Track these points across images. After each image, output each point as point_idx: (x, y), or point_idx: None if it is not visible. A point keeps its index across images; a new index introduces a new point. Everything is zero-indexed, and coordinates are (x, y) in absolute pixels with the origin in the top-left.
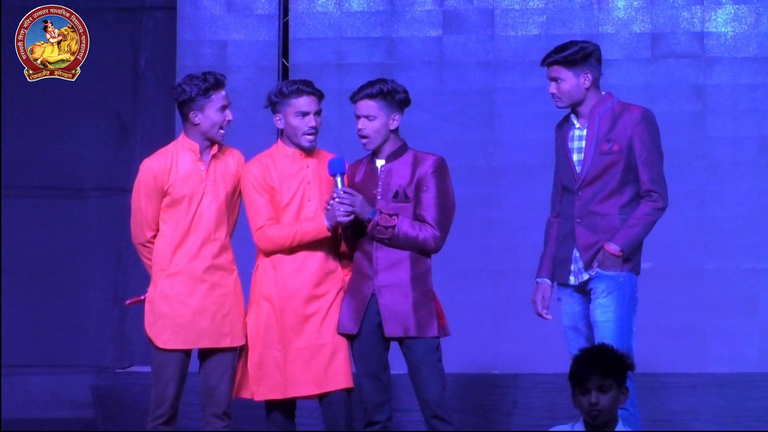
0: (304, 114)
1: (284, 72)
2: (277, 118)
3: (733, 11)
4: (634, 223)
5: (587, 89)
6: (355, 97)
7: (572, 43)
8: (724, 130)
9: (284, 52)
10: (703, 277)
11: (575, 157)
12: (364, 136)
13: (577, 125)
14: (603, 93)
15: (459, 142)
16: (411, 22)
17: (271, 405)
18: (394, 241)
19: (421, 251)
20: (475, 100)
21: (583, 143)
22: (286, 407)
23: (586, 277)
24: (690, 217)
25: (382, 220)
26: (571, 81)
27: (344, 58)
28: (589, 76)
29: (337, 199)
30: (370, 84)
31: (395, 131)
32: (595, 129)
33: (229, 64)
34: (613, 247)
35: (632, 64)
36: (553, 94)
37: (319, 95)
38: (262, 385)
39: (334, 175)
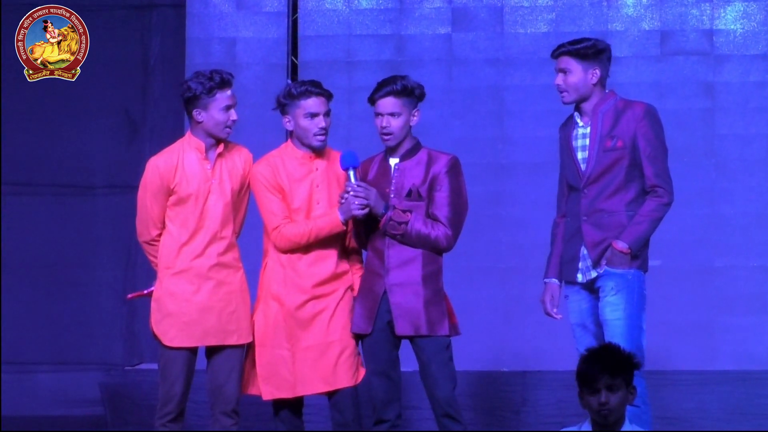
0: (314, 115)
1: (293, 69)
2: (287, 119)
3: (742, 8)
4: (640, 219)
5: (594, 85)
6: (376, 95)
7: (586, 38)
8: (733, 127)
9: (293, 50)
10: (712, 275)
11: (579, 155)
12: (388, 133)
13: (581, 123)
14: (607, 91)
15: (468, 140)
16: (420, 19)
17: (279, 403)
18: (407, 238)
19: (433, 249)
20: (485, 97)
21: (587, 141)
22: (293, 405)
23: (594, 274)
24: (699, 215)
25: (396, 216)
26: (578, 74)
27: (353, 55)
28: (597, 72)
29: (351, 193)
30: (392, 81)
31: (411, 128)
32: (598, 126)
33: (238, 61)
34: (621, 245)
35: (641, 61)
36: (558, 86)
37: (328, 95)
38: (271, 383)
39: (346, 169)
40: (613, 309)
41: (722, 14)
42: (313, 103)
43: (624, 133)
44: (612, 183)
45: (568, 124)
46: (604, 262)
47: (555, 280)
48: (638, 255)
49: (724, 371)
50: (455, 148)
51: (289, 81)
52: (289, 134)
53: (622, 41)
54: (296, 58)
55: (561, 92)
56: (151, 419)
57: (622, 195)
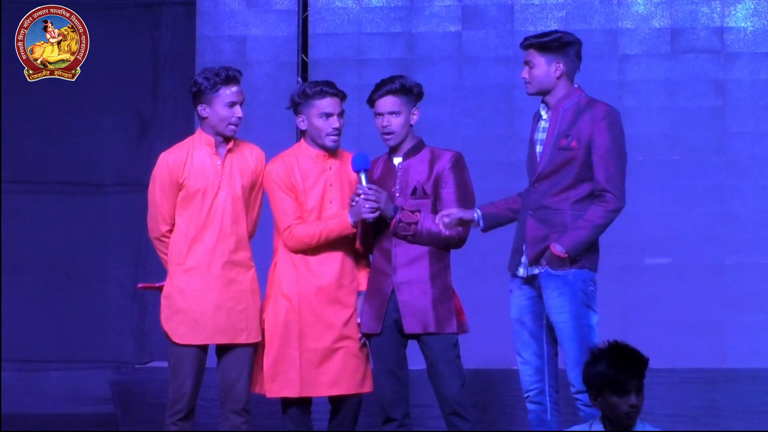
0: (328, 115)
1: (303, 67)
2: (300, 119)
3: (752, 6)
4: (583, 225)
5: (557, 79)
6: (375, 95)
7: (554, 31)
8: (743, 125)
9: (304, 48)
10: (722, 273)
11: (538, 149)
12: (389, 133)
13: (545, 117)
14: (575, 86)
15: (478, 138)
16: (430, 17)
17: (288, 401)
18: (418, 238)
19: (446, 246)
20: (495, 95)
21: (545, 136)
22: (302, 403)
23: (536, 271)
24: (710, 213)
25: (405, 217)
26: (542, 67)
27: (363, 53)
28: (561, 66)
29: (363, 196)
30: (390, 80)
31: (412, 127)
32: (557, 123)
33: (248, 59)
34: (558, 249)
35: (652, 59)
36: (524, 78)
37: (342, 96)
38: (277, 382)
39: (358, 172)
40: (559, 311)
41: (732, 12)
42: (327, 104)
43: (580, 133)
44: (562, 182)
45: (536, 116)
46: (544, 262)
47: (478, 211)
48: (577, 259)
49: (735, 369)
50: (465, 146)
51: (299, 79)
52: (302, 133)
53: (632, 39)
54: (306, 56)
55: (525, 84)
56: (161, 417)
57: (569, 194)
